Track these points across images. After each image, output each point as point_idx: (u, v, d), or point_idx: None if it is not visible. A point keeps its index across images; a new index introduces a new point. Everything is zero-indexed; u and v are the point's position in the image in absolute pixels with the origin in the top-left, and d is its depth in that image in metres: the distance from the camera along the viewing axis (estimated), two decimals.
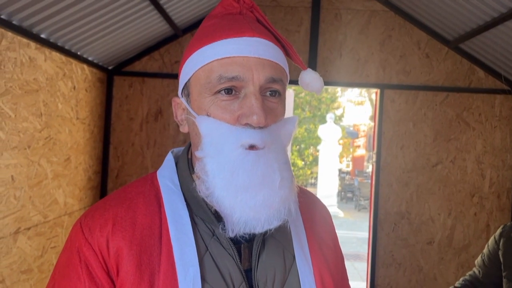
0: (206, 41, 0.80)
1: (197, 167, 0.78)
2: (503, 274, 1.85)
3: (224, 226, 0.76)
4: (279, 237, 0.83)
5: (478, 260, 2.03)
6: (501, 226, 1.96)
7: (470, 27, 3.07)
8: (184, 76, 0.83)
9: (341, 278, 0.96)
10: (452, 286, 2.05)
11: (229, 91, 0.76)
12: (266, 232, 0.79)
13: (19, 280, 2.33)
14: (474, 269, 2.04)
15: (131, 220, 0.78)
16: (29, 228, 2.42)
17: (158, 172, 0.86)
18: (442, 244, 3.50)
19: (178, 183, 0.83)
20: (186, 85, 0.83)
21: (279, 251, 0.82)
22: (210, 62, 0.77)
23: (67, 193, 2.89)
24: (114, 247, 0.75)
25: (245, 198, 0.73)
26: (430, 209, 3.53)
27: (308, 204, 0.95)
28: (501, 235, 1.91)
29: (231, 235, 0.74)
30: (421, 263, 3.52)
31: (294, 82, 0.88)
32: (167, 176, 0.85)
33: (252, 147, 0.74)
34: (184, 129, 0.85)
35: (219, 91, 0.76)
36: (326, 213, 0.99)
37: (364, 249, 7.93)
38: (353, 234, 9.55)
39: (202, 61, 0.79)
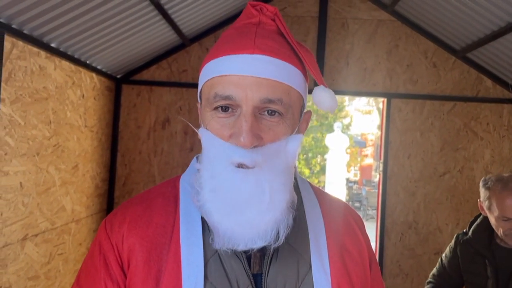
0: (213, 55, 0.81)
1: (195, 178, 0.80)
2: (464, 278, 2.05)
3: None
4: (295, 244, 0.82)
5: (433, 272, 2.19)
6: (455, 236, 2.12)
7: (478, 37, 3.07)
8: (199, 86, 0.86)
9: None
10: None
11: (226, 108, 0.77)
12: (278, 238, 0.78)
13: (26, 286, 2.34)
14: (431, 279, 2.19)
15: (147, 219, 0.82)
16: (36, 235, 2.43)
17: (182, 175, 0.90)
18: None
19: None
20: (200, 94, 0.86)
21: (293, 258, 0.80)
22: (211, 78, 0.79)
23: (74, 200, 2.91)
24: (128, 243, 0.80)
25: (231, 215, 0.74)
26: (438, 219, 3.50)
27: (334, 213, 0.91)
28: (456, 244, 2.08)
29: (217, 247, 0.75)
30: (428, 274, 3.47)
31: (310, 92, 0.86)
32: (187, 179, 0.88)
33: (242, 165, 0.74)
34: (199, 135, 0.87)
35: (216, 108, 0.78)
36: (357, 224, 0.93)
37: None
38: None
39: (206, 76, 0.82)
